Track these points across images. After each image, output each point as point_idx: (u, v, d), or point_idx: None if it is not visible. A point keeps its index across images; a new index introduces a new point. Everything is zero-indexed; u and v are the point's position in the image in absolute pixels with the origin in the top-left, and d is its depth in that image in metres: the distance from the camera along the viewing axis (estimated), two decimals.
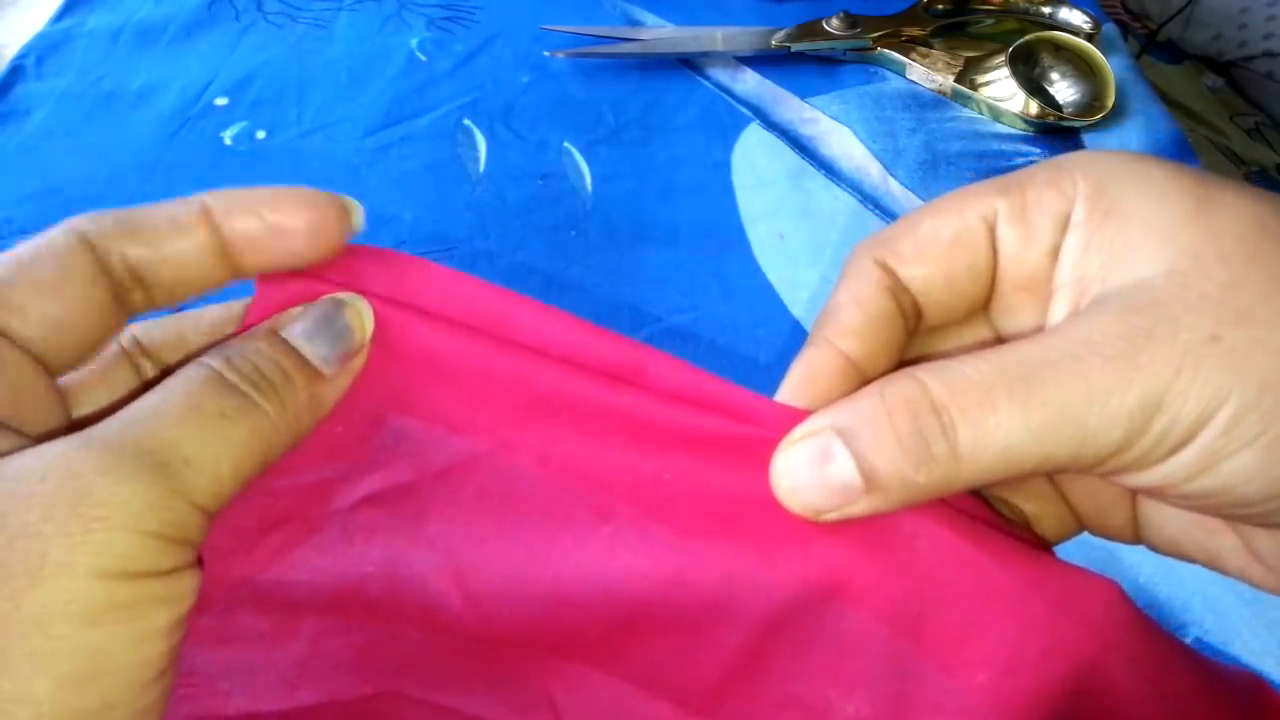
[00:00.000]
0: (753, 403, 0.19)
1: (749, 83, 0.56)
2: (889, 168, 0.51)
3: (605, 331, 0.20)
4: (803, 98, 0.55)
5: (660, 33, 0.57)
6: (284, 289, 0.19)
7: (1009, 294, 0.20)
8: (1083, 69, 0.52)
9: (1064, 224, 0.19)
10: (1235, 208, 0.17)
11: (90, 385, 0.20)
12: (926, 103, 0.54)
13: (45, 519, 0.14)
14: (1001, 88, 0.52)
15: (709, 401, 0.19)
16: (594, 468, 0.20)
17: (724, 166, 0.51)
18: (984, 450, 0.17)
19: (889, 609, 0.19)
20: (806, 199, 0.49)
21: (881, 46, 0.55)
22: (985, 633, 0.19)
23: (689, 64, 0.57)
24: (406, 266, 0.20)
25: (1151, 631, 0.20)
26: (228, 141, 0.51)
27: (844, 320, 0.20)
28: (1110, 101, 0.51)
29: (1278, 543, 0.19)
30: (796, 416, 0.19)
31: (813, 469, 0.18)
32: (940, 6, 0.57)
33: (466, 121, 0.53)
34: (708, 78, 0.56)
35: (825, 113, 0.54)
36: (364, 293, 0.19)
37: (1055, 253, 0.19)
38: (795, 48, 0.55)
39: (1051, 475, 0.21)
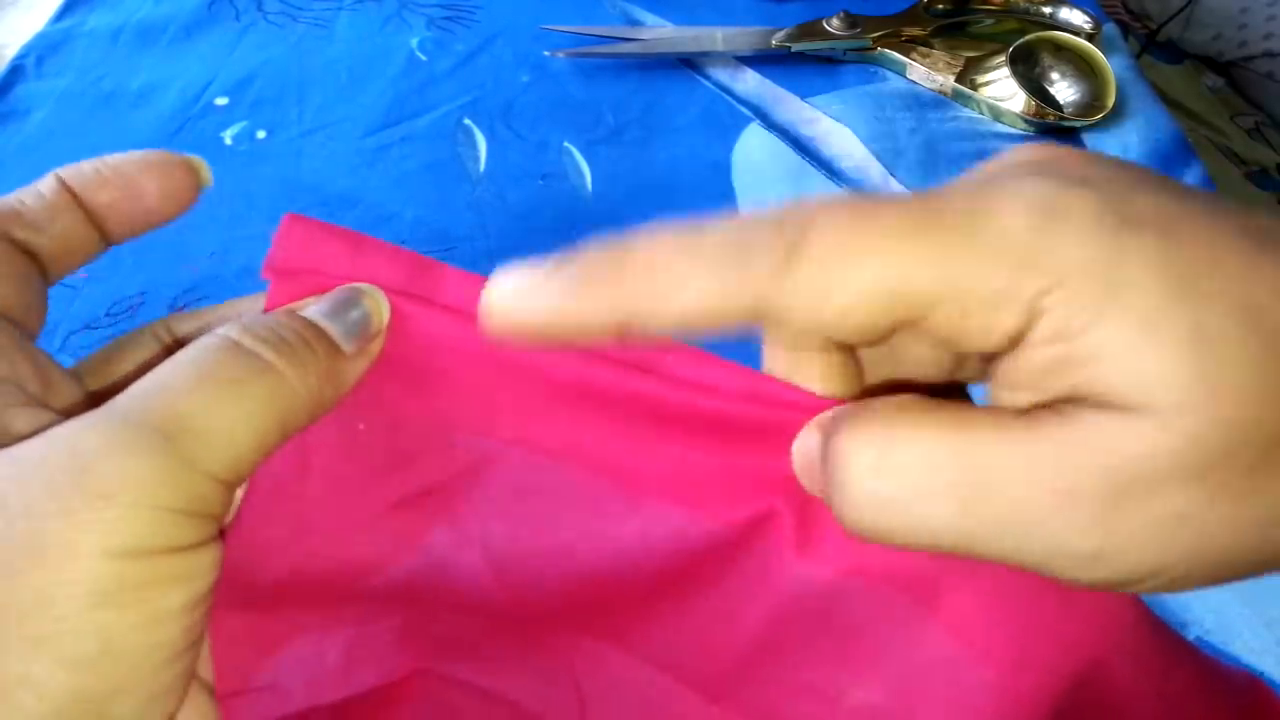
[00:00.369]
0: (770, 386, 0.19)
1: (749, 83, 0.56)
2: (889, 168, 0.51)
3: None
4: (803, 98, 0.55)
5: (660, 33, 0.57)
6: (297, 284, 0.19)
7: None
8: (1083, 69, 0.52)
9: (1014, 340, 0.15)
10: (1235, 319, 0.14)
11: (130, 378, 0.20)
12: (927, 103, 0.54)
13: (48, 498, 0.14)
14: (1002, 88, 0.52)
15: (727, 387, 0.19)
16: (617, 454, 0.20)
17: (724, 166, 0.51)
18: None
19: (910, 585, 0.19)
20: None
21: (882, 46, 0.55)
22: (995, 628, 0.19)
23: (689, 64, 0.57)
24: (417, 264, 0.20)
25: (1157, 631, 0.20)
26: (228, 141, 0.51)
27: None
28: (1110, 101, 0.51)
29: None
30: (816, 399, 0.19)
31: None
32: (940, 6, 0.57)
33: (467, 121, 0.53)
34: (708, 78, 0.56)
35: (825, 113, 0.54)
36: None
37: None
38: (795, 48, 0.55)
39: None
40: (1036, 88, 0.53)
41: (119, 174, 0.19)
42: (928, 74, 0.54)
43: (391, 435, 0.20)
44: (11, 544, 0.14)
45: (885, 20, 0.56)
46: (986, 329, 0.15)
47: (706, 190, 0.49)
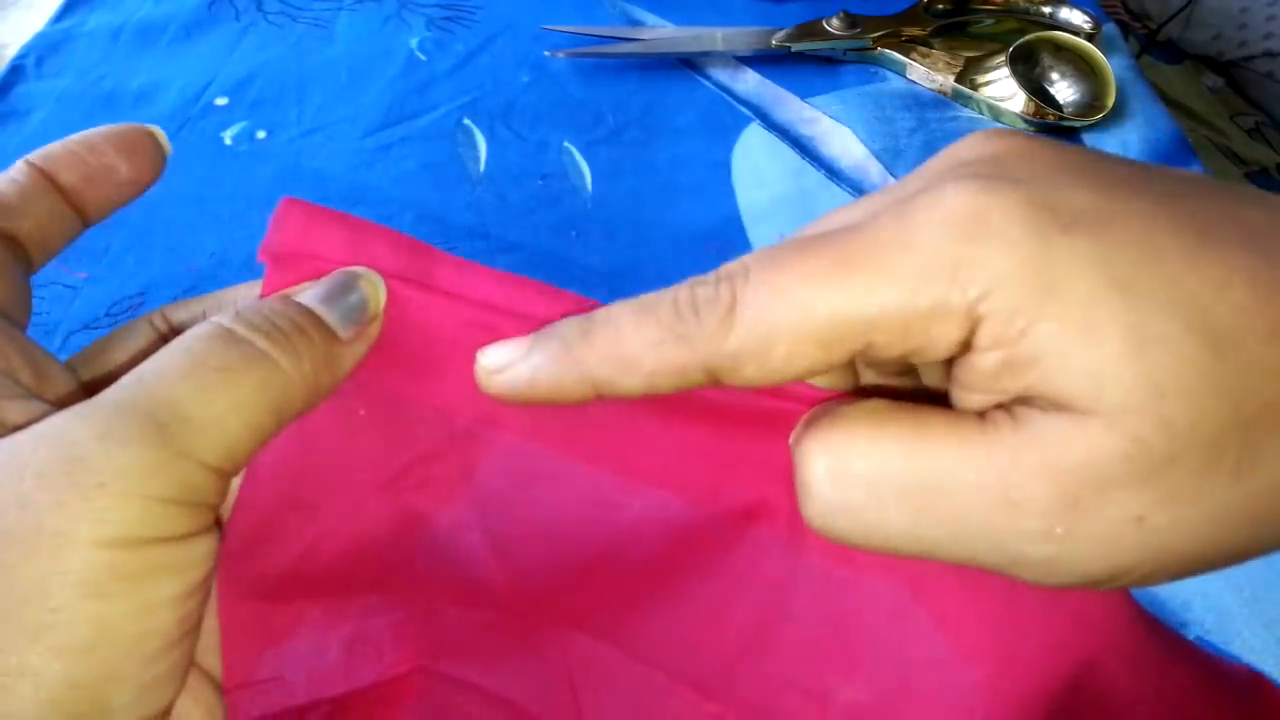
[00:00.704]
0: None
1: (749, 83, 0.56)
2: (889, 168, 0.51)
3: None
4: (803, 98, 0.55)
5: (660, 33, 0.57)
6: (294, 268, 0.19)
7: None
8: (1083, 69, 0.52)
9: (965, 346, 0.15)
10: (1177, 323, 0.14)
11: (125, 368, 0.20)
12: (927, 102, 0.54)
13: (40, 489, 0.14)
14: (1002, 87, 0.52)
15: None
16: (616, 441, 0.20)
17: (724, 166, 0.51)
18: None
19: (898, 577, 0.19)
20: (806, 199, 0.49)
21: (882, 46, 0.55)
22: (983, 625, 0.19)
23: (689, 64, 0.57)
24: (414, 249, 0.20)
25: (1153, 632, 0.20)
26: (228, 141, 0.51)
27: None
28: (1110, 101, 0.51)
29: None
30: (814, 390, 0.18)
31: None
32: (940, 6, 0.57)
33: (466, 121, 0.53)
34: (708, 78, 0.56)
35: (825, 113, 0.54)
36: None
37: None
38: (795, 48, 0.55)
39: None
40: (1036, 88, 0.53)
41: (89, 150, 0.20)
42: (928, 74, 0.54)
43: (392, 419, 0.20)
44: (4, 535, 0.14)
45: (885, 20, 0.56)
46: (932, 342, 0.15)
47: (706, 190, 0.49)
